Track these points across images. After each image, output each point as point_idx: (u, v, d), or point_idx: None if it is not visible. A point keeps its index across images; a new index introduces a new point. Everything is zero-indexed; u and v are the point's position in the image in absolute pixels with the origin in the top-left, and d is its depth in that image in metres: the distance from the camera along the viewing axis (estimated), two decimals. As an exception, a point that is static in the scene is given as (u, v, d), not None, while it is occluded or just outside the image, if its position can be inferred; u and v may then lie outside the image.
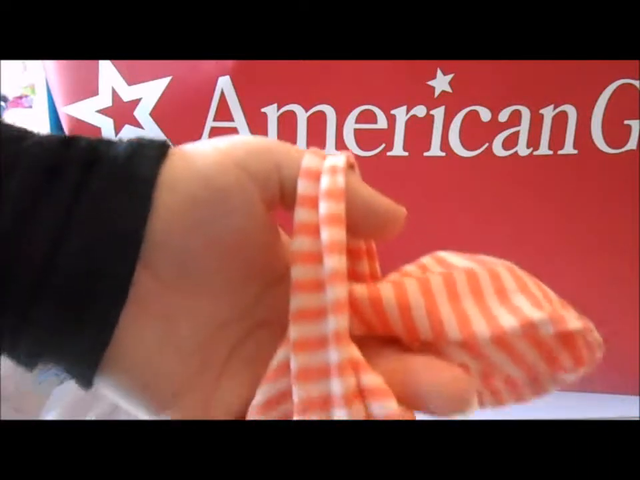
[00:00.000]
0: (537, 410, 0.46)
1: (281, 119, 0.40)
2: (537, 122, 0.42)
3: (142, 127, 0.41)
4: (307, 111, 0.40)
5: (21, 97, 0.83)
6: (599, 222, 0.44)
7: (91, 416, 0.42)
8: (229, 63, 0.38)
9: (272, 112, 0.40)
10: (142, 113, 0.41)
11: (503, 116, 0.42)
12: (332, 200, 0.17)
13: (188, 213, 0.17)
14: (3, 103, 0.83)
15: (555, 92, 0.41)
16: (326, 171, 0.18)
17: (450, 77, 0.41)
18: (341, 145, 0.41)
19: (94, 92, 0.41)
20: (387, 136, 0.41)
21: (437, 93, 0.41)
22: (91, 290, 0.16)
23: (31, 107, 0.81)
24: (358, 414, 0.16)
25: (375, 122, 0.41)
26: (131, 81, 0.40)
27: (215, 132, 0.41)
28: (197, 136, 0.41)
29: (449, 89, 0.41)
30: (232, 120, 0.40)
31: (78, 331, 0.16)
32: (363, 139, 0.41)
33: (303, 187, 0.17)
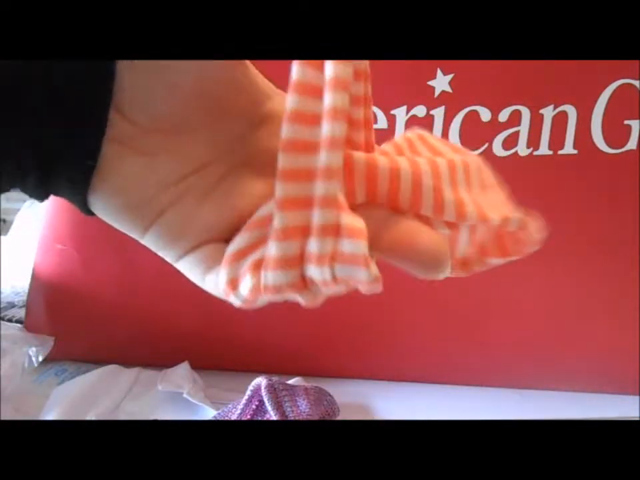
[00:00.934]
0: (537, 410, 0.46)
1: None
2: (537, 122, 0.42)
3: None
4: (307, 111, 0.40)
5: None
6: (599, 222, 0.44)
7: (91, 416, 0.42)
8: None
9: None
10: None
11: (503, 116, 0.42)
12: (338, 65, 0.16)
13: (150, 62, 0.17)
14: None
15: (555, 92, 0.41)
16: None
17: (450, 76, 0.41)
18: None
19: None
20: (387, 136, 0.41)
21: (437, 92, 0.41)
22: (76, 118, 0.17)
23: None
24: (326, 247, 0.16)
25: (375, 122, 0.41)
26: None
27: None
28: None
29: (449, 89, 0.41)
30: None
31: (69, 153, 0.18)
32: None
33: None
